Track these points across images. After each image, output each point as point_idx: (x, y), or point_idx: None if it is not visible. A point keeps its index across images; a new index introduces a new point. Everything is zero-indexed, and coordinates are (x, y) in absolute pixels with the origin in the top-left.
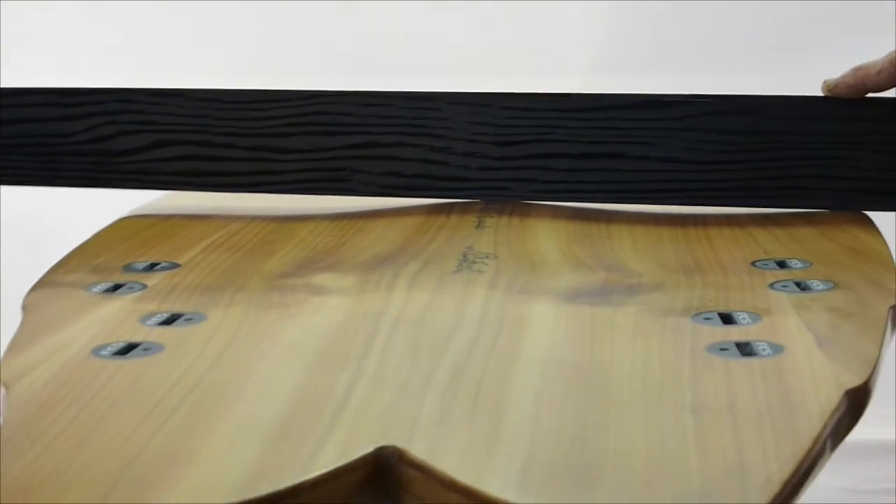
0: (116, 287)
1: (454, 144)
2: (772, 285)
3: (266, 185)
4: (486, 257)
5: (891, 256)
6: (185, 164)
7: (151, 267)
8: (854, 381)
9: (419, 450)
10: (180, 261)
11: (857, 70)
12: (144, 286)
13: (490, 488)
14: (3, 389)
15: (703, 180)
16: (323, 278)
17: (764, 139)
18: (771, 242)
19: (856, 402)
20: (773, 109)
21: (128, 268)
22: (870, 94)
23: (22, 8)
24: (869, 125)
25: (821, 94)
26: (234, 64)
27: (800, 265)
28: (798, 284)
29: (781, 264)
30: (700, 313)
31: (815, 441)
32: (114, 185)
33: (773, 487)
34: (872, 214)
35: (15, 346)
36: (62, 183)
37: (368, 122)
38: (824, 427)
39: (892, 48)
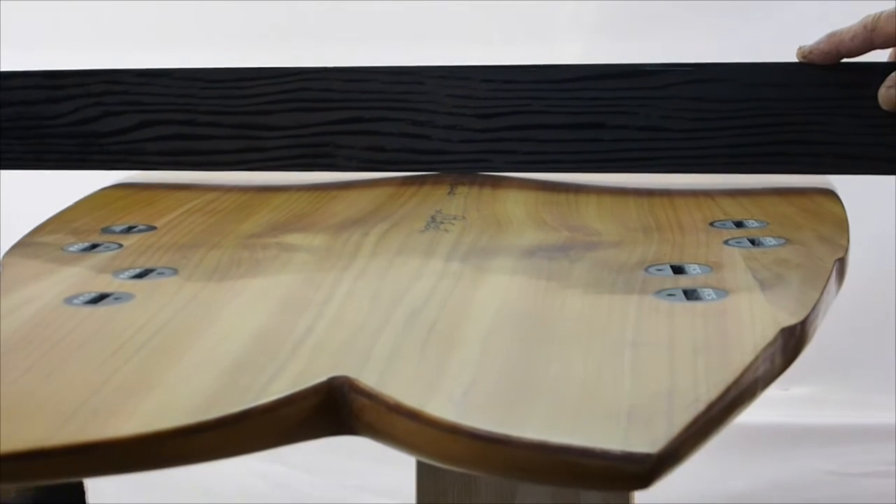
0: (93, 247)
1: (436, 118)
2: (726, 242)
3: (251, 162)
4: (454, 219)
5: (846, 219)
6: (170, 144)
7: (129, 230)
8: (791, 320)
9: (369, 380)
10: (157, 224)
11: (831, 36)
12: (120, 246)
13: (432, 409)
14: None
15: (682, 148)
16: (294, 238)
17: (741, 106)
18: (732, 206)
19: (791, 340)
20: (750, 76)
21: (106, 230)
22: (844, 60)
23: None
24: (844, 90)
25: (796, 60)
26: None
27: (756, 225)
28: (752, 241)
29: (739, 224)
30: (653, 265)
31: (746, 370)
32: (100, 167)
33: (699, 406)
34: (848, 178)
35: None
36: (48, 166)
37: (350, 98)
38: (756, 359)
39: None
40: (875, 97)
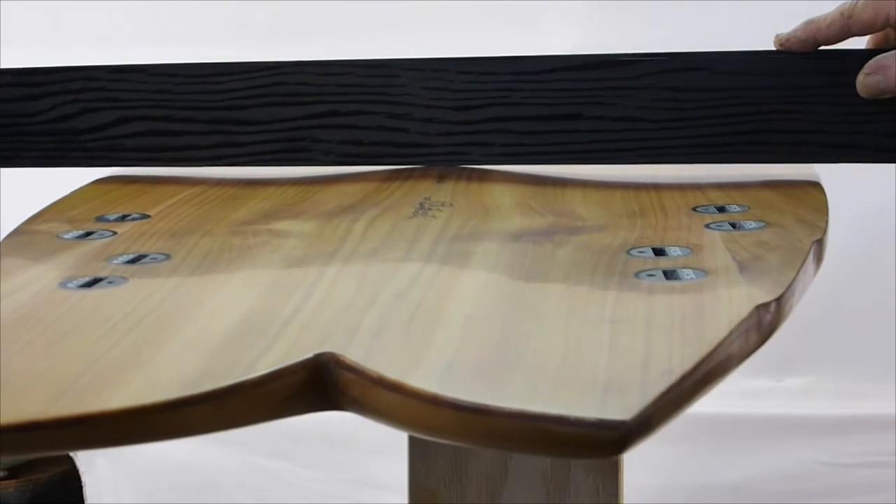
0: (88, 234)
1: (413, 111)
2: (707, 225)
3: (227, 157)
4: (442, 205)
5: (826, 203)
6: (146, 140)
7: (123, 218)
8: (766, 297)
9: (354, 355)
10: (151, 213)
11: (808, 24)
12: (114, 233)
13: (414, 382)
14: None
15: (659, 139)
16: (284, 224)
17: (718, 95)
18: (717, 194)
19: (766, 316)
20: (726, 65)
21: (100, 218)
22: (822, 47)
23: None
24: (821, 78)
25: (773, 48)
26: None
27: (738, 209)
28: (733, 225)
29: (721, 209)
30: (635, 248)
31: (720, 344)
32: (78, 164)
33: (673, 378)
34: (830, 166)
35: None
36: (27, 163)
37: (326, 92)
38: (730, 334)
39: None
40: (854, 85)
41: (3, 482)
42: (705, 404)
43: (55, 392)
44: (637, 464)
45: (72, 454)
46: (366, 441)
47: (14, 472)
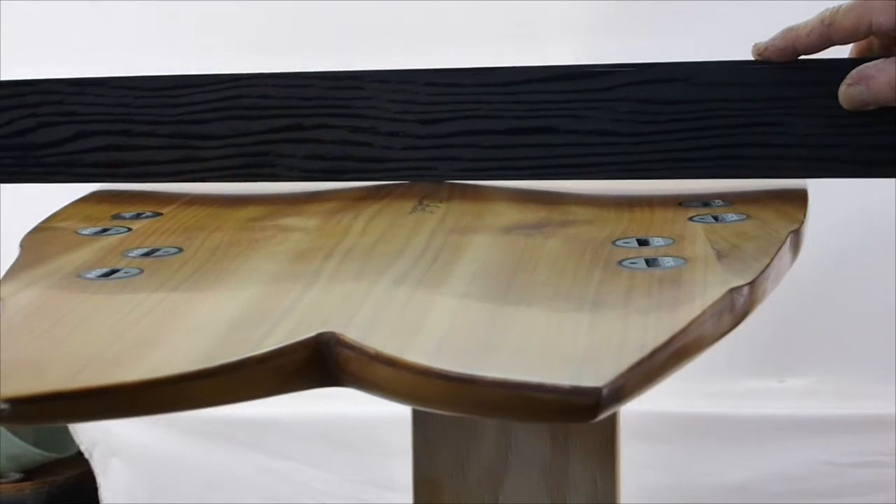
0: (104, 230)
1: (377, 124)
2: (691, 218)
3: (188, 173)
4: (440, 202)
5: (807, 196)
6: (105, 155)
7: (137, 216)
8: (739, 281)
9: (353, 334)
10: (163, 211)
11: (787, 32)
12: (129, 230)
13: (408, 356)
14: None
15: (635, 153)
16: (289, 220)
17: (695, 107)
18: (703, 188)
19: (739, 299)
20: (702, 75)
21: (116, 216)
22: (802, 57)
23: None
24: (802, 89)
25: (751, 57)
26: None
27: (721, 203)
28: (715, 217)
29: (706, 204)
30: (621, 239)
31: (692, 323)
32: (37, 180)
33: (645, 351)
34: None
35: (10, 273)
36: None
37: (289, 105)
38: (703, 314)
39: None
40: (835, 96)
41: (19, 484)
42: (707, 405)
43: (76, 367)
44: (640, 463)
45: (87, 457)
46: (374, 443)
47: (30, 474)
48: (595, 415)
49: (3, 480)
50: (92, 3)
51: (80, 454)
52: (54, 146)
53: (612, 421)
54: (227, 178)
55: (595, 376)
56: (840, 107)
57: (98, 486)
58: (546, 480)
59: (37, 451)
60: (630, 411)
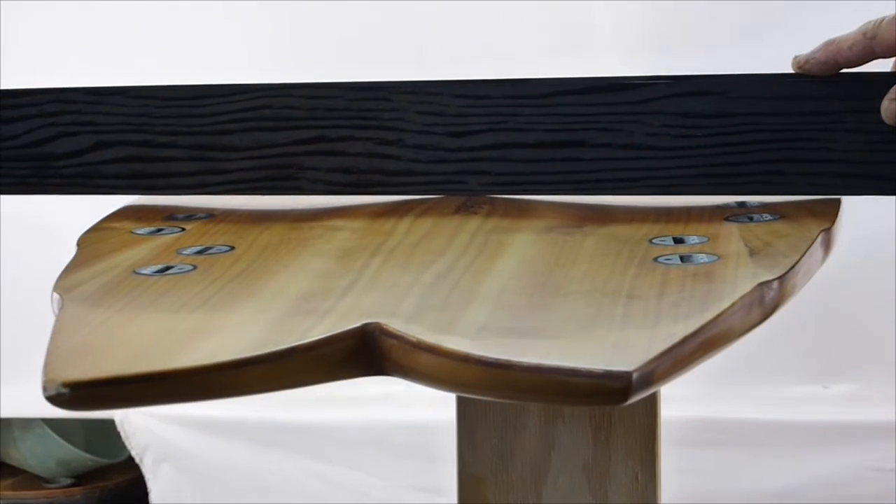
0: (158, 230)
1: (405, 137)
2: (727, 218)
3: (210, 185)
4: (483, 204)
5: (840, 199)
6: (125, 167)
7: (189, 217)
8: (769, 276)
9: (396, 325)
10: (214, 213)
11: (828, 45)
12: (183, 230)
13: (448, 344)
14: (56, 296)
15: (668, 167)
16: (337, 221)
17: (732, 122)
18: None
19: (768, 293)
20: (741, 89)
21: (169, 217)
22: (843, 70)
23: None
24: (843, 103)
25: (791, 70)
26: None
27: (757, 204)
28: (750, 217)
29: (742, 205)
30: (658, 237)
31: (721, 314)
32: (55, 192)
33: (674, 339)
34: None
35: (68, 269)
36: (1, 191)
37: (314, 116)
38: (732, 305)
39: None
40: (878, 111)
41: (70, 489)
42: (753, 411)
43: (135, 355)
44: (685, 469)
45: (137, 462)
46: (423, 448)
47: (80, 479)
48: (626, 398)
49: (54, 485)
50: (112, 17)
51: (130, 459)
52: (73, 157)
53: (653, 418)
54: (249, 190)
55: (627, 361)
56: (882, 122)
57: (149, 491)
58: (588, 477)
59: (87, 456)
60: (675, 417)
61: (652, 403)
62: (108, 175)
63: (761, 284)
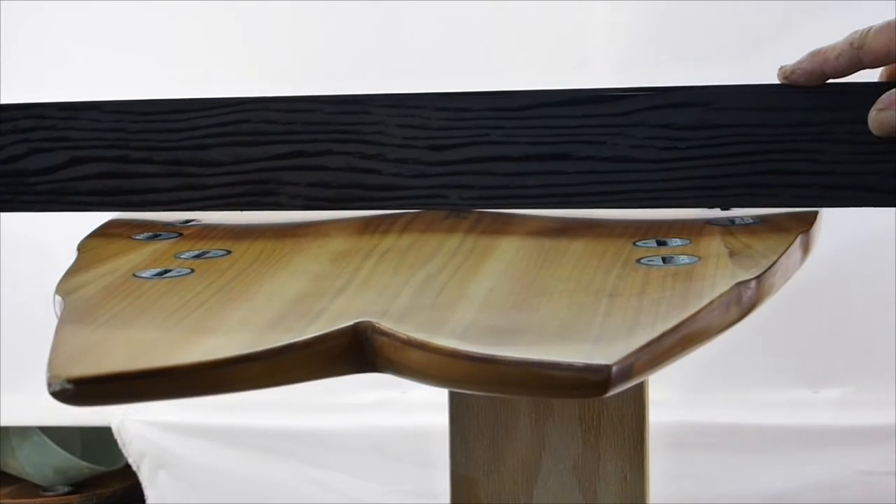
0: (156, 235)
1: (386, 151)
2: (709, 221)
3: (187, 201)
4: (472, 211)
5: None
6: (100, 183)
7: (186, 223)
8: (746, 276)
9: (388, 323)
10: (212, 220)
11: (814, 55)
12: (180, 234)
13: (437, 341)
14: (59, 298)
15: (653, 180)
16: (330, 226)
17: (717, 133)
18: None
19: (746, 292)
20: (725, 100)
21: (167, 224)
22: (830, 80)
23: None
24: (830, 114)
25: (777, 81)
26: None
27: (740, 210)
28: (731, 220)
29: (725, 208)
30: (642, 240)
31: (699, 311)
32: (28, 209)
33: (653, 334)
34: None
35: (69, 273)
36: None
37: (293, 130)
38: (710, 303)
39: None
40: (865, 121)
41: (67, 497)
42: (743, 415)
43: (136, 352)
44: (676, 473)
45: (134, 469)
46: (420, 454)
47: (78, 487)
48: (606, 390)
49: (51, 493)
50: (90, 29)
51: (127, 467)
52: (47, 173)
53: (642, 419)
54: (228, 206)
55: (607, 355)
56: (870, 133)
57: (146, 498)
58: (578, 477)
59: (84, 463)
60: (665, 422)
61: (640, 404)
62: (83, 192)
63: (739, 284)
